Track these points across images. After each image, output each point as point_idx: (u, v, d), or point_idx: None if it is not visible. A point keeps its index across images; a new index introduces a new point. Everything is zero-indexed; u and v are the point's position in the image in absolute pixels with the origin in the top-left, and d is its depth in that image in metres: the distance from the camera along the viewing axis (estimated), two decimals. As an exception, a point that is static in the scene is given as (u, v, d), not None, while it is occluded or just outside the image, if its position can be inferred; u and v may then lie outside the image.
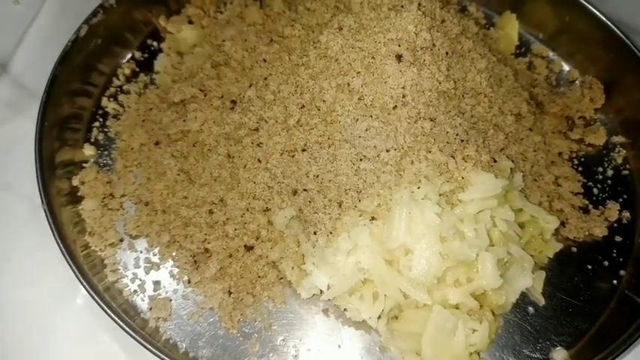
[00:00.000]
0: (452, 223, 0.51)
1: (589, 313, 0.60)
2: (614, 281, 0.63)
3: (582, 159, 0.73)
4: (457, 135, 0.56)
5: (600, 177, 0.72)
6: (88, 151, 0.70)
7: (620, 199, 0.70)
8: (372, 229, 0.52)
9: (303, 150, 0.56)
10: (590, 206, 0.69)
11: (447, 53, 0.59)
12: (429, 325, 0.50)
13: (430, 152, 0.54)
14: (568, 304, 0.61)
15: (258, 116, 0.59)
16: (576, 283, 0.62)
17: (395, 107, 0.55)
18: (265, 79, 0.62)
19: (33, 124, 0.70)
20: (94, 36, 0.73)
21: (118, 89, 0.77)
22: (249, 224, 0.57)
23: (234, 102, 0.64)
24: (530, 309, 0.61)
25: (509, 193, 0.57)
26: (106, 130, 0.73)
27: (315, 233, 0.54)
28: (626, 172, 0.72)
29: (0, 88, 0.78)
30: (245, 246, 0.58)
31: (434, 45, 0.58)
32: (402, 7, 0.58)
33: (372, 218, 0.53)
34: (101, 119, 0.74)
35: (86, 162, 0.70)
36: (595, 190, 0.71)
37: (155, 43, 0.82)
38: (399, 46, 0.55)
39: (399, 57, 0.55)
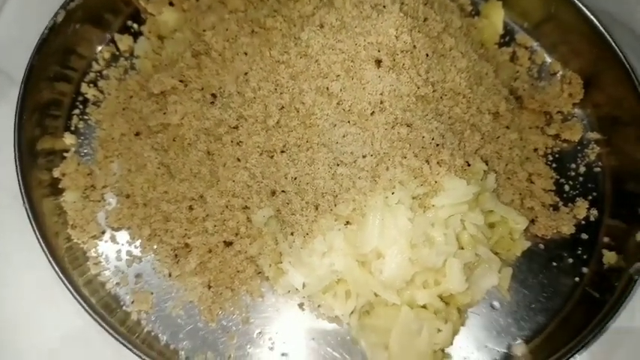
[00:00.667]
0: (423, 229, 0.53)
1: (550, 309, 0.64)
2: (577, 278, 0.66)
3: (557, 155, 0.75)
4: (433, 139, 0.57)
5: (573, 173, 0.74)
6: (69, 140, 0.70)
7: (590, 197, 0.72)
8: (346, 233, 0.54)
9: (282, 151, 0.57)
10: (561, 203, 0.71)
11: (427, 55, 0.59)
12: (396, 325, 0.53)
13: (405, 158, 0.55)
14: (532, 299, 0.64)
15: (237, 113, 0.59)
16: (541, 280, 0.66)
17: (372, 113, 0.56)
18: (246, 74, 0.62)
19: (11, 108, 0.70)
20: (72, 20, 0.72)
21: (98, 74, 0.76)
22: (228, 221, 0.59)
23: (214, 96, 0.64)
24: (496, 304, 0.64)
25: (481, 195, 0.59)
26: (86, 117, 0.72)
27: (292, 234, 0.56)
28: (598, 169, 0.74)
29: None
30: (224, 242, 0.60)
31: (414, 47, 0.58)
32: (384, 7, 0.58)
33: (347, 222, 0.55)
34: (81, 106, 0.74)
35: (66, 151, 0.70)
36: (566, 187, 0.73)
37: (135, 25, 0.81)
38: (379, 51, 0.56)
39: (378, 62, 0.56)
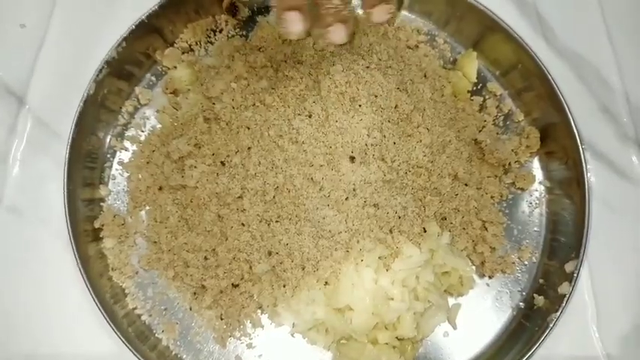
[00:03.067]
0: (383, 289, 0.70)
1: (492, 336, 0.81)
2: (514, 312, 0.83)
3: (510, 201, 0.89)
4: (396, 212, 0.72)
5: (522, 218, 0.88)
6: (103, 191, 0.86)
7: (534, 241, 0.87)
8: (325, 291, 0.71)
9: (277, 221, 0.73)
10: (508, 246, 0.86)
11: (394, 143, 0.73)
12: (362, 357, 0.71)
13: (373, 231, 0.71)
14: (476, 329, 0.81)
15: (241, 185, 0.74)
16: (484, 312, 0.82)
17: (347, 198, 0.71)
18: (249, 148, 0.76)
19: (55, 161, 0.85)
20: (102, 87, 0.85)
21: (123, 127, 0.90)
22: (235, 270, 0.75)
23: (222, 163, 0.78)
24: (446, 332, 0.81)
25: (435, 252, 0.75)
26: (116, 169, 0.87)
27: (284, 286, 0.72)
28: (544, 215, 0.89)
29: (22, 123, 0.90)
30: (232, 284, 0.76)
31: (384, 137, 0.72)
32: (360, 105, 0.71)
33: (326, 283, 0.72)
34: (111, 158, 0.88)
35: (102, 200, 0.85)
36: (515, 232, 0.87)
37: (154, 79, 0.94)
38: (352, 151, 0.70)
39: (352, 158, 0.70)
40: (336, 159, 0.71)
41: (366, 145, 0.71)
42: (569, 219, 0.85)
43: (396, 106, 0.75)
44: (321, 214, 0.71)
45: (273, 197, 0.73)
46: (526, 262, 0.85)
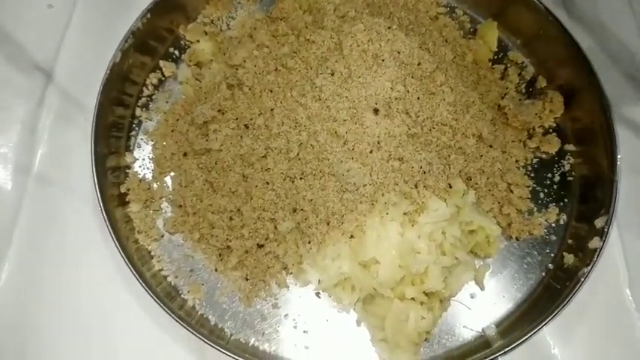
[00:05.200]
0: (410, 242, 0.69)
1: (519, 298, 0.79)
2: (543, 273, 0.81)
3: (536, 165, 0.88)
4: (421, 167, 0.72)
5: (548, 182, 0.87)
6: (129, 158, 0.87)
7: (561, 203, 0.86)
8: (351, 245, 0.71)
9: (301, 178, 0.73)
10: (535, 209, 0.85)
11: (418, 98, 0.73)
12: (389, 313, 0.70)
13: (397, 185, 0.71)
14: (504, 290, 0.80)
15: (265, 145, 0.75)
16: (513, 274, 0.81)
17: (371, 151, 0.71)
18: (272, 110, 0.77)
19: (82, 132, 0.87)
20: (127, 58, 0.86)
21: (149, 99, 0.92)
22: (260, 229, 0.75)
23: (246, 126, 0.79)
24: (474, 293, 0.80)
25: (461, 210, 0.74)
26: (141, 138, 0.89)
27: (309, 242, 0.72)
28: (571, 178, 0.87)
29: (49, 97, 0.92)
30: (257, 244, 0.76)
31: (407, 92, 0.72)
32: (383, 60, 0.72)
33: (351, 236, 0.71)
34: (137, 128, 0.90)
35: (128, 167, 0.87)
36: (542, 195, 0.86)
37: (177, 52, 0.95)
38: (376, 102, 0.70)
39: (375, 111, 0.70)
40: (360, 112, 0.71)
41: (389, 98, 0.71)
42: (596, 180, 0.84)
43: (419, 64, 0.75)
44: (345, 167, 0.71)
45: (297, 154, 0.73)
46: (554, 224, 0.83)
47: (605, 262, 0.78)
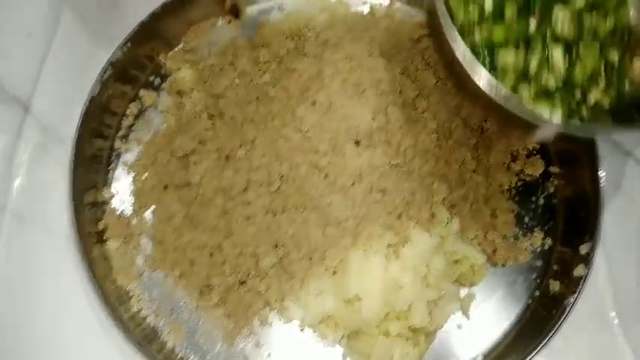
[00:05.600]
0: (394, 276, 0.68)
1: (506, 326, 0.78)
2: (529, 300, 0.80)
3: (520, 188, 0.87)
4: (403, 198, 0.71)
5: (533, 206, 0.86)
6: (107, 193, 0.85)
7: (546, 227, 0.85)
8: (334, 281, 0.69)
9: (282, 212, 0.72)
10: (520, 234, 0.84)
11: (400, 127, 0.72)
12: (374, 351, 0.68)
13: (380, 217, 0.70)
14: (491, 319, 0.79)
15: (246, 178, 0.73)
16: (499, 301, 0.80)
17: (353, 184, 0.70)
18: (253, 141, 0.76)
19: (60, 166, 0.85)
20: (107, 88, 0.85)
21: (128, 129, 0.90)
22: (241, 265, 0.74)
23: (227, 158, 0.78)
24: (460, 324, 0.79)
25: (444, 239, 0.73)
26: (121, 171, 0.87)
27: (292, 278, 0.71)
28: (556, 200, 0.87)
29: (27, 129, 0.90)
30: (239, 281, 0.75)
31: (389, 121, 0.72)
32: (364, 90, 0.71)
33: (334, 272, 0.70)
34: (116, 160, 0.88)
35: (107, 202, 0.85)
36: (526, 219, 0.85)
37: (157, 81, 0.94)
38: (358, 133, 0.69)
39: (357, 142, 0.70)
40: (341, 144, 0.70)
41: (371, 128, 0.70)
42: (580, 202, 0.83)
43: (400, 92, 0.75)
44: (326, 200, 0.70)
45: (279, 187, 0.72)
46: (539, 249, 0.83)
47: (592, 286, 0.78)
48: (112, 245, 0.79)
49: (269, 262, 0.72)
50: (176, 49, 0.95)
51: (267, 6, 0.99)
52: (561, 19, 0.67)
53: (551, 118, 0.66)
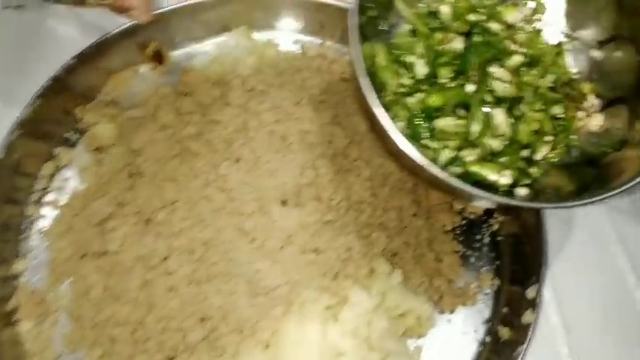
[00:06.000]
0: (333, 343, 0.63)
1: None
2: (481, 347, 0.77)
3: (464, 227, 0.85)
4: (339, 256, 0.66)
5: (478, 245, 0.84)
6: (20, 265, 0.77)
7: (494, 265, 0.83)
8: (267, 354, 0.63)
9: (207, 282, 0.66)
10: (466, 276, 0.81)
11: (330, 180, 0.68)
12: None
13: (314, 280, 0.64)
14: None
15: (168, 244, 0.67)
16: (450, 351, 0.76)
17: (282, 247, 0.64)
18: (174, 202, 0.69)
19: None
20: (15, 151, 0.78)
21: (43, 192, 0.82)
22: (167, 341, 0.67)
23: (147, 222, 0.71)
24: (411, 379, 0.74)
25: (387, 295, 0.69)
26: (35, 239, 0.79)
27: (221, 355, 0.64)
28: (501, 237, 0.84)
29: None
30: (168, 357, 0.68)
31: (318, 175, 0.67)
32: (290, 144, 0.66)
33: (267, 345, 0.64)
34: (29, 228, 0.80)
35: (18, 277, 0.76)
36: (472, 259, 0.83)
37: (75, 137, 0.87)
38: (284, 192, 0.64)
39: (284, 202, 0.65)
40: (267, 204, 0.65)
41: (298, 185, 0.65)
42: (525, 240, 0.81)
43: (330, 141, 0.71)
44: (254, 267, 0.64)
45: (201, 256, 0.66)
46: (487, 291, 0.80)
47: (545, 324, 0.75)
48: (25, 327, 0.71)
49: (196, 336, 0.66)
50: (94, 102, 0.89)
51: (192, 50, 0.95)
52: (499, 79, 0.66)
53: (499, 181, 0.64)
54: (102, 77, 0.90)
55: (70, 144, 0.86)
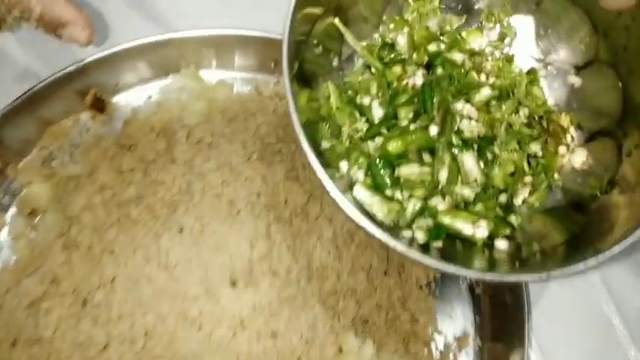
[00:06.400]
0: None
1: None
2: (462, 413, 0.70)
3: (439, 280, 0.78)
4: (302, 336, 0.58)
5: (455, 299, 0.77)
6: (-62, 357, 0.67)
7: (473, 321, 0.76)
8: None
9: (152, 376, 0.57)
10: (445, 336, 0.74)
11: (287, 247, 0.60)
12: None
13: (274, 368, 0.57)
14: None
15: (106, 331, 0.59)
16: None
17: (234, 335, 0.57)
18: (113, 280, 0.61)
19: None
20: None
21: (-31, 266, 0.73)
22: None
23: (84, 303, 0.63)
24: None
25: (358, 371, 0.61)
26: (-44, 325, 0.69)
27: None
28: (479, 291, 0.78)
29: None
30: None
31: (273, 244, 0.59)
32: (239, 212, 0.59)
33: None
34: (-48, 310, 0.71)
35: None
36: (450, 316, 0.76)
37: (7, 199, 0.78)
38: (233, 271, 0.56)
39: (233, 282, 0.57)
40: (214, 285, 0.57)
41: (249, 261, 0.57)
42: (506, 291, 0.75)
43: (285, 201, 0.63)
44: (203, 359, 0.56)
45: (143, 346, 0.57)
46: (469, 351, 0.73)
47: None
48: None
49: None
50: (29, 157, 0.80)
51: (136, 95, 0.87)
52: (466, 117, 0.59)
53: (475, 233, 0.57)
54: (38, 129, 0.82)
55: (2, 208, 0.77)
